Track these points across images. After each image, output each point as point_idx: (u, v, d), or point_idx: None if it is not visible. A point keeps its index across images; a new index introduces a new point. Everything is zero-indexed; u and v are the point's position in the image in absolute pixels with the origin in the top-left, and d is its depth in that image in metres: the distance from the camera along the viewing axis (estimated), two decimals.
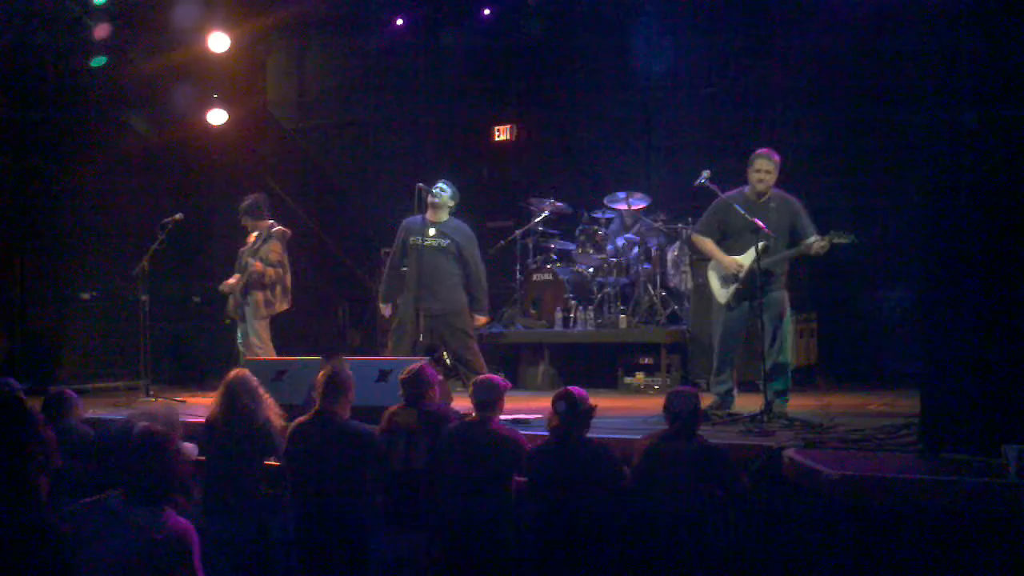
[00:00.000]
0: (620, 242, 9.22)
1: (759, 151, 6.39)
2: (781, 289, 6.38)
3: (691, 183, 6.58)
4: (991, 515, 4.01)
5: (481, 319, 7.48)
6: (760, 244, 6.16)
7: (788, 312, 6.36)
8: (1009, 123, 4.59)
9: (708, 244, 6.55)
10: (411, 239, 7.37)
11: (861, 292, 8.66)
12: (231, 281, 8.02)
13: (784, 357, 6.36)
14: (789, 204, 6.39)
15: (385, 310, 7.60)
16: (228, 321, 8.15)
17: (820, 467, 4.43)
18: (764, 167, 6.32)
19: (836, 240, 6.07)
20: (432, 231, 7.32)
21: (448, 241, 7.32)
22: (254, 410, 5.14)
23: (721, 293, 6.48)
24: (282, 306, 8.01)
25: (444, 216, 7.40)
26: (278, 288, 7.94)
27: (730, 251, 6.40)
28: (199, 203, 9.24)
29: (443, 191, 7.37)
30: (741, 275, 6.31)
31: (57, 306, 9.48)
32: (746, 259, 6.28)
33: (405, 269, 7.41)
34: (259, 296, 7.90)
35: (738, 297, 6.39)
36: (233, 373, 5.33)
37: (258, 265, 7.81)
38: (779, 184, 6.46)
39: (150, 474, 3.72)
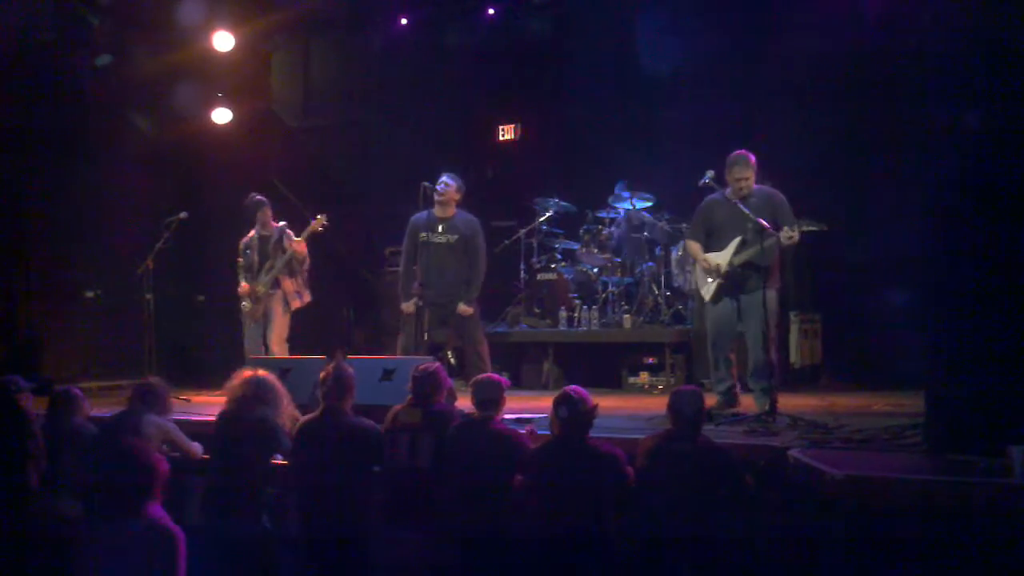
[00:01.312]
0: (624, 242, 9.22)
1: (736, 155, 6.46)
2: (766, 288, 6.35)
3: (695, 183, 6.60)
4: (996, 516, 4.00)
5: (465, 308, 7.38)
6: (737, 239, 6.36)
7: (773, 314, 6.36)
8: (1013, 122, 4.58)
9: (694, 247, 6.71)
10: (420, 235, 7.34)
11: (865, 292, 8.63)
12: (246, 286, 8.02)
13: (767, 356, 6.39)
14: (770, 198, 6.49)
15: (407, 307, 7.43)
16: (251, 323, 8.09)
17: (824, 467, 4.42)
18: (742, 174, 6.41)
19: (806, 228, 6.22)
20: (441, 227, 7.30)
21: (457, 237, 7.31)
22: (261, 409, 5.14)
23: (705, 289, 6.64)
24: (308, 297, 8.06)
25: (451, 211, 7.36)
26: (302, 278, 8.01)
27: (713, 248, 6.57)
28: (203, 202, 9.23)
29: (448, 185, 7.34)
30: (721, 271, 6.44)
31: (61, 304, 9.49)
32: (724, 256, 6.46)
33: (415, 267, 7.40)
34: (290, 285, 7.93)
35: (719, 292, 6.52)
36: (248, 373, 5.33)
37: (301, 246, 7.83)
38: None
39: (124, 484, 3.79)
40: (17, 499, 4.77)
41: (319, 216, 7.93)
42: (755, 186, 6.46)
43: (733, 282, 6.45)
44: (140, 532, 3.70)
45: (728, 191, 6.47)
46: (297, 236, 8.00)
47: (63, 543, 4.47)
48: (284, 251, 7.96)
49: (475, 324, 7.42)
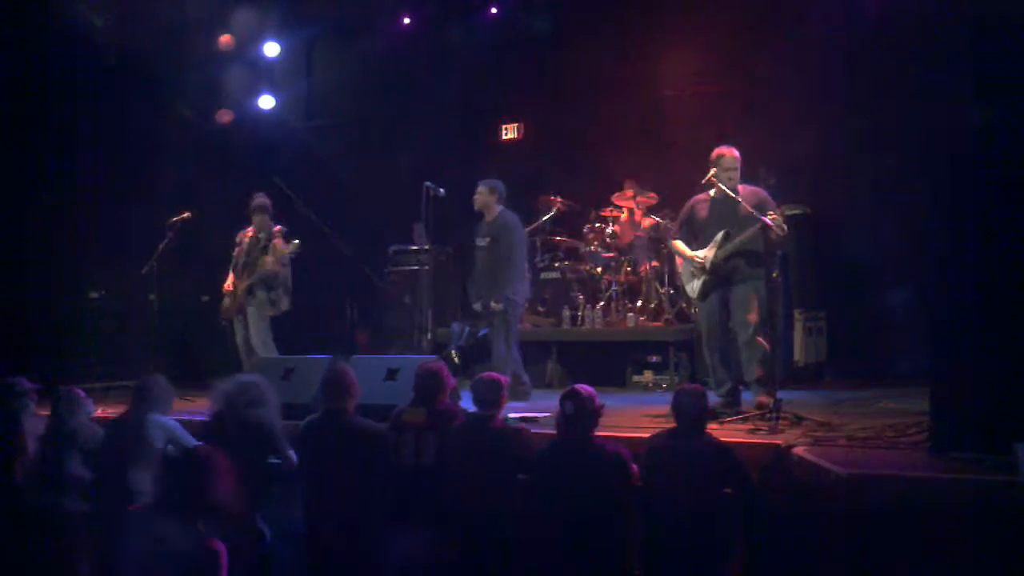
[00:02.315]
0: (628, 240, 9.21)
1: (721, 151, 6.47)
2: (755, 279, 6.32)
3: (699, 181, 6.60)
4: (1001, 513, 3.99)
5: (493, 304, 7.38)
6: (721, 234, 6.33)
7: (763, 305, 6.29)
8: (1018, 119, 4.57)
9: (678, 246, 6.68)
10: (476, 240, 7.64)
11: (870, 290, 8.62)
12: (230, 283, 8.03)
13: (750, 375, 6.37)
14: (755, 193, 6.46)
15: (478, 306, 7.66)
16: (224, 322, 8.12)
17: (829, 465, 4.41)
18: (730, 165, 6.39)
19: (789, 212, 6.20)
20: (482, 231, 7.55)
21: (489, 239, 7.45)
22: (252, 413, 5.09)
23: (691, 287, 6.61)
24: (286, 306, 8.03)
25: (492, 214, 7.53)
26: (281, 288, 7.96)
27: (699, 248, 6.52)
28: (207, 202, 9.23)
29: (478, 193, 7.51)
30: (707, 266, 6.41)
31: (66, 305, 9.49)
32: (709, 251, 6.43)
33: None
34: (263, 296, 7.92)
35: (706, 289, 6.49)
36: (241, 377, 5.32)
37: (268, 260, 7.83)
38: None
39: (184, 491, 3.70)
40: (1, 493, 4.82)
41: (295, 241, 7.91)
42: (740, 186, 6.45)
43: (720, 277, 6.42)
44: (186, 549, 3.62)
45: (712, 191, 6.49)
46: (294, 239, 7.98)
47: (66, 539, 4.49)
48: (265, 258, 7.91)
49: (502, 325, 7.40)
